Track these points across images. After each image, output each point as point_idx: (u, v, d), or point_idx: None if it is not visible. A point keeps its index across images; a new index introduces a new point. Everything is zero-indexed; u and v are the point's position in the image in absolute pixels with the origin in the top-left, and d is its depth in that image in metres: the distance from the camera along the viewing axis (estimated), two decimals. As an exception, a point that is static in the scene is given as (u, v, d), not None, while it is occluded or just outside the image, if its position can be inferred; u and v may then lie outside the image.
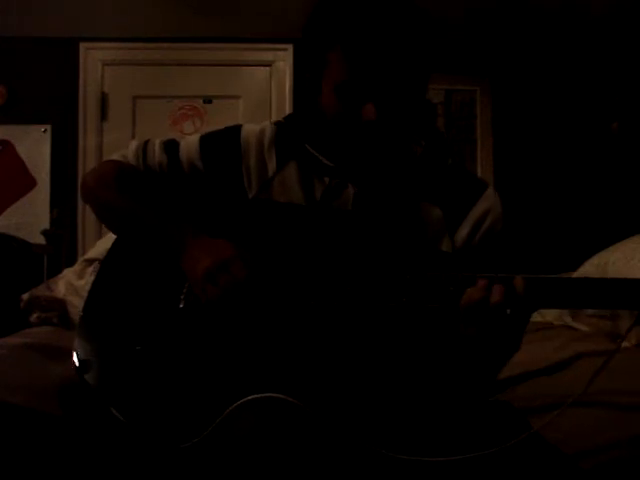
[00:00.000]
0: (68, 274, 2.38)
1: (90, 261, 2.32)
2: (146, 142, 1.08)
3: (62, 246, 3.15)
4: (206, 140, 1.07)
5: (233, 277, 0.89)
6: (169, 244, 0.96)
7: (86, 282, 2.23)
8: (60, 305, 2.22)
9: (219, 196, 1.03)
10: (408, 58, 0.89)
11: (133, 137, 3.43)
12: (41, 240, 3.15)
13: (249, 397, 0.83)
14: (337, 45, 0.89)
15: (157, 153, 1.06)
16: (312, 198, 1.00)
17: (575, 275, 2.12)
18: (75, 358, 0.95)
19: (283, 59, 3.48)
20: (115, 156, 1.09)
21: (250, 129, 1.06)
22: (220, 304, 0.90)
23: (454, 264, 0.95)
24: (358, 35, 0.87)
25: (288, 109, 3.44)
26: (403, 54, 0.88)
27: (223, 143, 1.06)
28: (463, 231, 0.99)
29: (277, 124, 1.08)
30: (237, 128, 1.07)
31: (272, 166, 1.03)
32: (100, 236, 2.92)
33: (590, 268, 2.07)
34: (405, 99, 0.91)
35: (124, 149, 1.09)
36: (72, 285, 2.28)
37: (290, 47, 3.44)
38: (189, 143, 1.07)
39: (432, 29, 0.92)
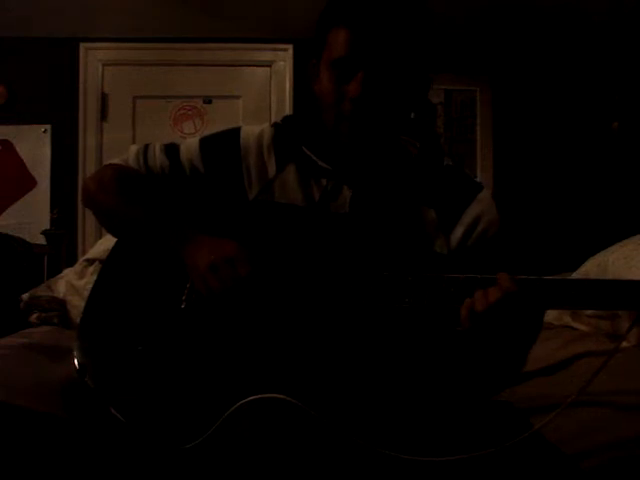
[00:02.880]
0: (68, 274, 2.38)
1: (90, 261, 2.32)
2: (146, 146, 1.09)
3: (62, 246, 3.15)
4: (206, 142, 1.07)
5: (237, 272, 0.89)
6: (170, 241, 0.97)
7: (86, 282, 2.23)
8: (60, 305, 2.22)
9: (220, 198, 1.04)
10: (404, 36, 0.91)
11: (133, 137, 3.43)
12: (41, 240, 3.15)
13: (250, 398, 0.83)
14: (339, 25, 0.92)
15: (158, 156, 1.07)
16: (312, 200, 1.01)
17: (575, 275, 2.13)
18: (76, 359, 0.95)
19: (283, 59, 3.48)
20: (115, 160, 1.09)
21: (249, 131, 1.07)
22: (221, 297, 0.90)
23: (448, 266, 0.95)
24: (361, 13, 0.90)
25: (288, 109, 3.44)
26: (399, 32, 0.91)
27: (223, 145, 1.06)
28: (457, 233, 0.99)
29: (275, 126, 1.08)
30: (236, 130, 1.07)
31: (272, 168, 1.04)
32: (100, 236, 2.92)
33: (590, 268, 2.07)
34: (394, 77, 0.92)
35: (124, 153, 1.10)
36: (72, 285, 2.28)
37: (290, 47, 3.44)
38: (189, 145, 1.07)
39: (431, 18, 0.95)
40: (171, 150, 1.07)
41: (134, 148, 1.09)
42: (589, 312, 1.98)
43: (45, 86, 3.34)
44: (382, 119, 0.95)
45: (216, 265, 0.90)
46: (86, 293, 1.04)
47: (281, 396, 0.83)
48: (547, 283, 0.82)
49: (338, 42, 0.92)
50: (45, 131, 3.36)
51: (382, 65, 0.90)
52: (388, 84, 0.92)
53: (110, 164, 1.09)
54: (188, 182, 1.06)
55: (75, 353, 0.95)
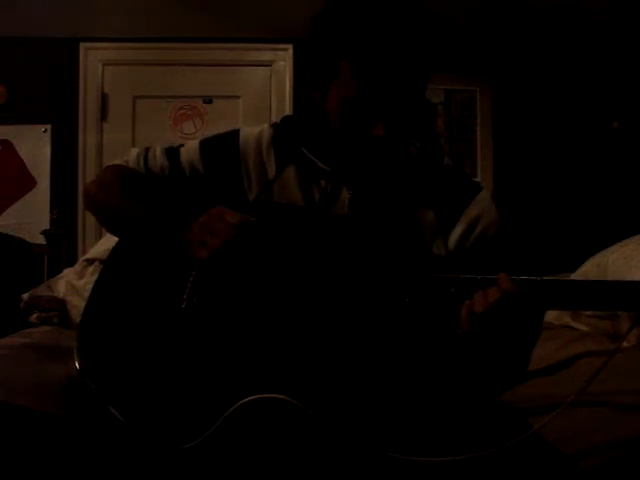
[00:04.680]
0: (68, 274, 2.38)
1: (90, 261, 2.32)
2: (147, 148, 1.10)
3: (62, 246, 3.15)
4: (206, 144, 1.08)
5: (228, 224, 0.90)
6: (171, 233, 0.97)
7: (86, 282, 2.23)
8: (60, 305, 2.22)
9: (220, 199, 1.04)
10: (415, 77, 0.90)
11: (133, 137, 3.43)
12: (41, 240, 3.15)
13: (250, 398, 0.83)
14: (347, 58, 0.89)
15: (158, 158, 1.07)
16: (312, 201, 1.01)
17: (575, 275, 2.13)
18: (76, 359, 0.95)
19: (283, 59, 3.48)
20: (116, 161, 1.10)
21: (248, 132, 1.07)
22: (220, 254, 0.90)
23: (446, 267, 0.95)
24: (368, 53, 0.87)
25: (288, 109, 3.44)
26: (411, 73, 0.90)
27: (222, 147, 1.06)
28: (455, 234, 0.99)
29: (274, 126, 1.08)
30: (236, 132, 1.07)
31: (272, 169, 1.04)
32: (100, 236, 2.92)
33: (590, 268, 2.07)
34: (411, 115, 0.92)
35: (124, 154, 1.10)
36: (72, 285, 2.28)
37: (290, 47, 3.45)
38: (189, 147, 1.08)
39: (435, 40, 0.93)
40: (171, 152, 1.08)
41: (135, 150, 1.10)
42: (589, 312, 1.98)
43: (45, 86, 3.34)
44: (403, 146, 0.98)
45: (207, 224, 0.92)
46: (86, 293, 1.04)
47: (281, 396, 0.83)
48: (547, 284, 0.82)
49: (347, 78, 0.89)
50: (45, 131, 3.36)
51: (399, 111, 0.90)
52: (406, 123, 0.93)
53: (111, 165, 1.10)
54: (188, 184, 1.06)
55: (75, 353, 0.95)
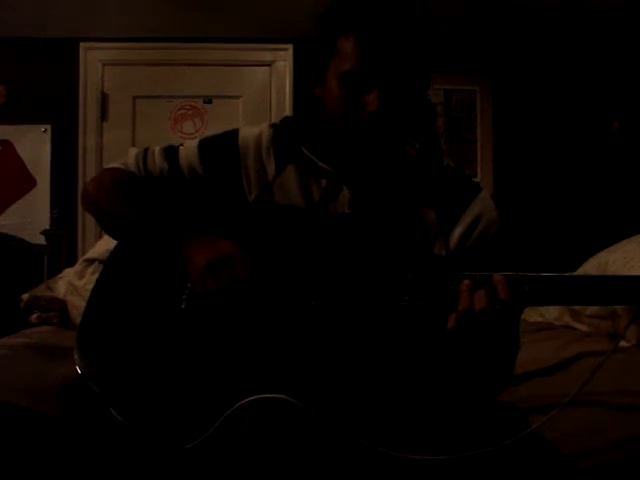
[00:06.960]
0: (68, 274, 2.38)
1: (90, 261, 2.32)
2: (145, 149, 1.09)
3: (62, 246, 3.15)
4: (205, 144, 1.07)
5: (236, 272, 0.90)
6: (169, 243, 0.97)
7: (86, 282, 2.23)
8: (60, 305, 2.22)
9: (220, 200, 1.04)
10: (414, 49, 0.91)
11: (133, 137, 3.43)
12: (41, 240, 3.15)
13: (251, 398, 0.83)
14: (348, 33, 0.91)
15: (157, 160, 1.07)
16: (311, 200, 1.01)
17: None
18: (76, 359, 0.95)
19: (283, 59, 3.48)
20: (115, 164, 1.10)
21: (248, 132, 1.07)
22: (219, 298, 0.90)
23: (447, 266, 0.95)
24: (371, 22, 0.89)
25: (288, 109, 3.44)
26: (410, 45, 0.90)
27: (221, 147, 1.06)
28: (456, 234, 0.99)
29: (274, 127, 1.08)
30: (234, 132, 1.07)
31: (271, 169, 1.04)
32: (100, 236, 2.92)
33: (590, 268, 2.08)
34: (407, 91, 0.92)
35: (124, 156, 1.10)
36: (72, 285, 2.28)
37: (290, 47, 3.45)
38: (188, 148, 1.07)
39: (435, 24, 0.94)
40: (170, 153, 1.07)
41: (133, 152, 1.09)
42: (589, 312, 1.98)
43: (45, 86, 3.34)
44: (396, 130, 0.96)
45: (214, 264, 0.90)
46: (86, 293, 1.04)
47: (282, 396, 0.83)
48: (547, 280, 0.82)
49: (348, 53, 0.91)
50: (45, 131, 3.36)
51: (395, 81, 0.90)
52: (401, 97, 0.92)
53: (110, 168, 1.09)
54: (188, 185, 1.06)
55: (75, 354, 0.95)
